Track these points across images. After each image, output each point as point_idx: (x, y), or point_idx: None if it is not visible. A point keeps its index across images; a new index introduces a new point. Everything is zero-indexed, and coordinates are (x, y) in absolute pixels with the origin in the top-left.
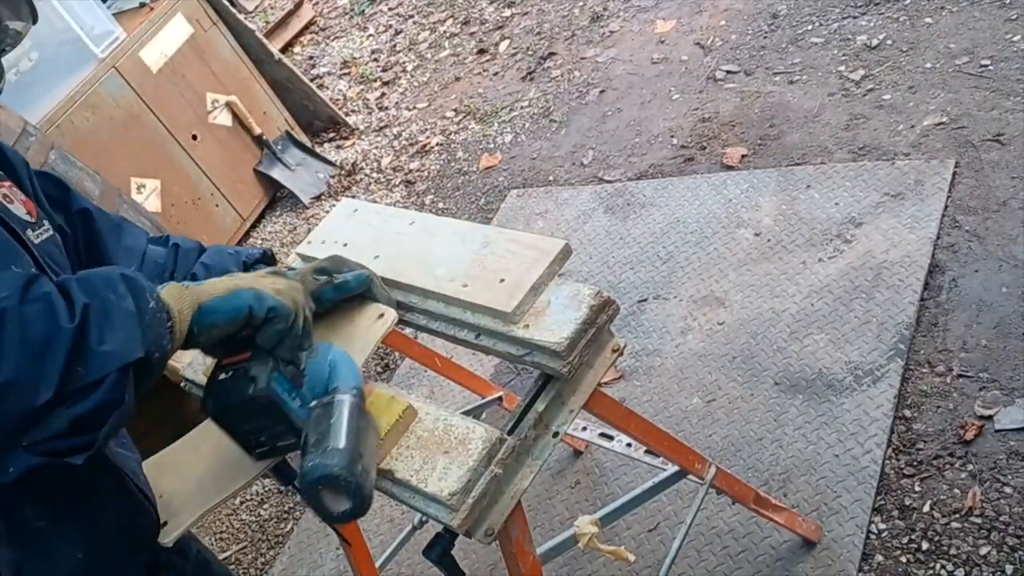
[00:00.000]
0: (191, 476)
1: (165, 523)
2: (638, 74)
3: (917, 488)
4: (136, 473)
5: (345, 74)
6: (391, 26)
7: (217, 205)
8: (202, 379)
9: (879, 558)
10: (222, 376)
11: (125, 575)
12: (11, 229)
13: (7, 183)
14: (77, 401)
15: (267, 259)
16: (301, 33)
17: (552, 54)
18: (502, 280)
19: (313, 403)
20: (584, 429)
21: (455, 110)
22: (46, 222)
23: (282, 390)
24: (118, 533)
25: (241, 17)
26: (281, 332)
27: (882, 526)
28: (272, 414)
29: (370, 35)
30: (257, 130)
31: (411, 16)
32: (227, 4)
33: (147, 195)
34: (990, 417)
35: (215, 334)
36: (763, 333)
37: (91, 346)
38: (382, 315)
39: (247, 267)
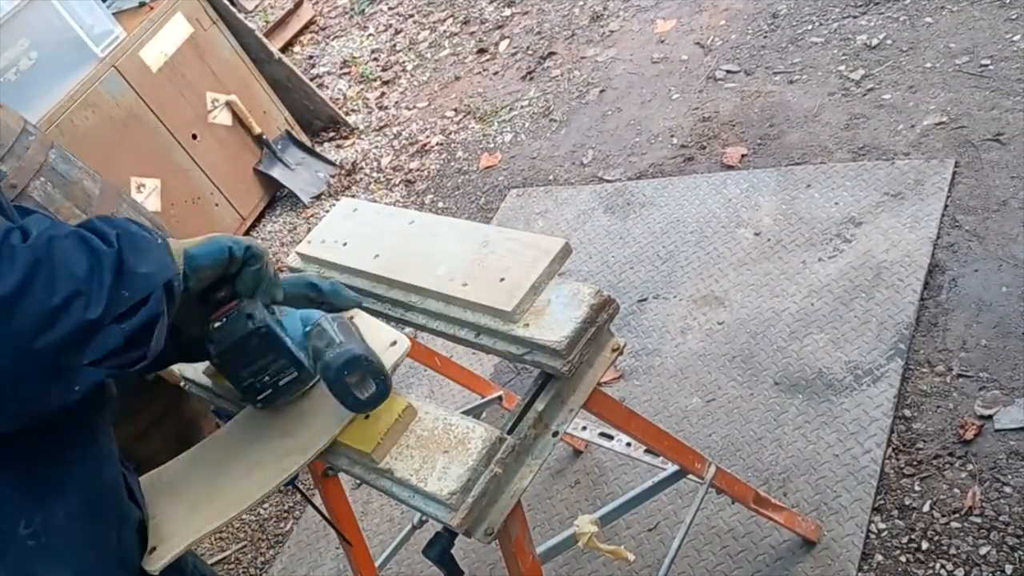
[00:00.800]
0: (185, 498)
1: (154, 549)
2: (638, 74)
3: (917, 488)
4: (135, 482)
5: (345, 73)
6: (391, 25)
7: (217, 204)
8: (203, 379)
9: (879, 558)
10: (217, 324)
11: None
12: None
13: None
14: (127, 318)
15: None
16: (301, 32)
17: (552, 54)
18: (502, 279)
19: (307, 329)
20: (584, 428)
21: (455, 109)
22: None
23: (276, 325)
24: (108, 552)
25: (241, 16)
26: (259, 273)
27: (882, 526)
28: (272, 347)
29: (370, 34)
30: (257, 129)
31: (411, 15)
32: (227, 3)
33: (147, 194)
34: (990, 417)
35: (204, 277)
36: (763, 333)
37: (131, 269)
38: (395, 342)
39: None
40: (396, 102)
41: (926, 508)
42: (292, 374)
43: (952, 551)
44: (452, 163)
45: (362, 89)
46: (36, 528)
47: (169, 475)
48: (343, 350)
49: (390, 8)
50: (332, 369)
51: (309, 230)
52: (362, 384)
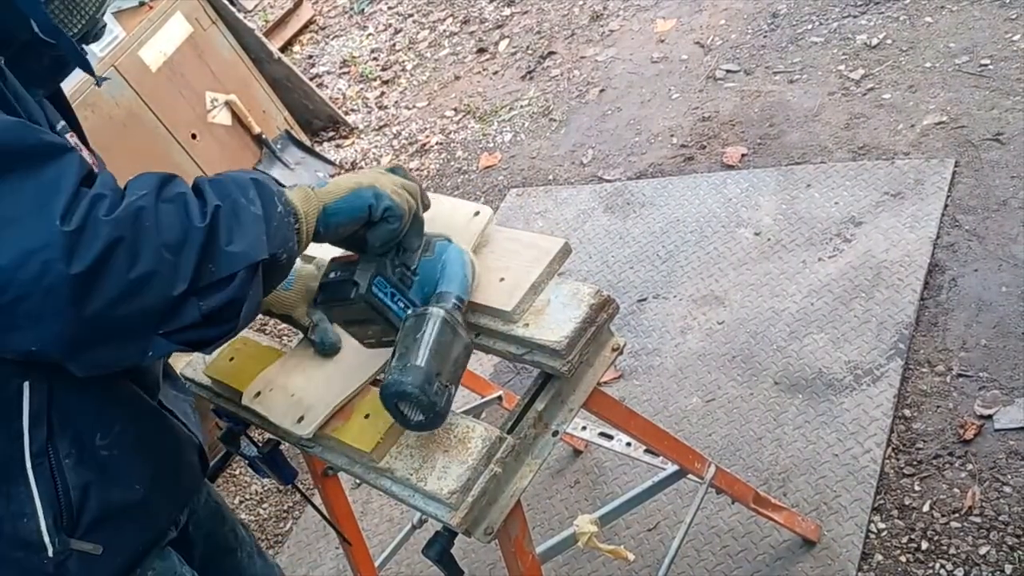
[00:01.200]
0: (317, 375)
1: (302, 418)
2: (638, 73)
3: (917, 487)
4: (187, 414)
5: (344, 73)
6: (391, 25)
7: None
8: (203, 378)
9: (879, 557)
10: (331, 276)
11: (171, 507)
12: None
13: (71, 135)
14: (209, 295)
15: None
16: (300, 32)
17: (552, 53)
18: (502, 279)
19: (410, 311)
20: (584, 428)
21: (455, 109)
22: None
23: (383, 295)
24: (169, 469)
25: (240, 16)
26: (393, 232)
27: (881, 525)
28: (373, 316)
29: (369, 34)
30: (256, 129)
31: (411, 15)
32: (226, 3)
33: None
34: (990, 416)
35: (340, 232)
36: (763, 332)
37: (220, 246)
38: (478, 213)
39: None
40: (396, 102)
41: (926, 508)
42: (394, 335)
43: (952, 551)
44: (452, 163)
45: (362, 89)
46: (110, 441)
47: (295, 359)
48: (401, 378)
49: (390, 8)
50: (384, 394)
51: None
52: (412, 412)
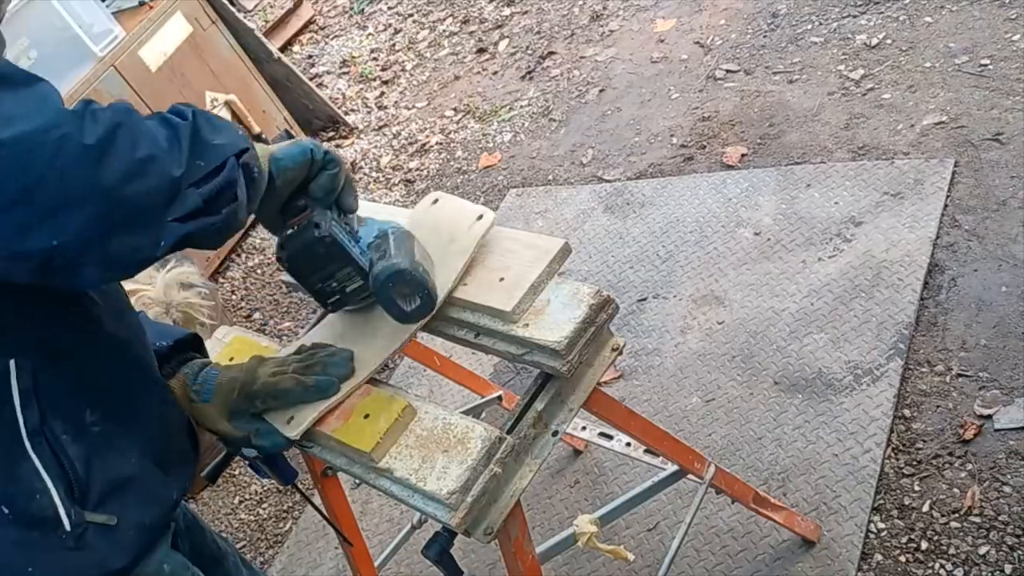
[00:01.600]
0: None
1: (291, 419)
2: (638, 73)
3: (916, 487)
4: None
5: (344, 73)
6: (390, 25)
7: None
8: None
9: (878, 557)
10: (289, 232)
11: (171, 481)
12: None
13: None
14: (205, 183)
15: (192, 342)
16: (300, 32)
17: (551, 53)
18: (501, 279)
19: (371, 241)
20: (583, 428)
21: (454, 109)
22: None
23: (342, 233)
24: (164, 443)
25: (240, 16)
26: (335, 178)
27: (881, 525)
28: (337, 256)
29: (369, 34)
30: (256, 129)
31: (410, 15)
32: (226, 3)
33: None
34: (989, 416)
35: (289, 179)
36: (762, 332)
37: (206, 139)
38: (481, 216)
39: (173, 348)
40: (395, 101)
41: (925, 508)
42: (358, 282)
43: (951, 551)
44: (451, 162)
45: (361, 88)
46: (98, 418)
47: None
48: (389, 263)
49: (389, 8)
50: (379, 281)
51: None
52: (407, 297)
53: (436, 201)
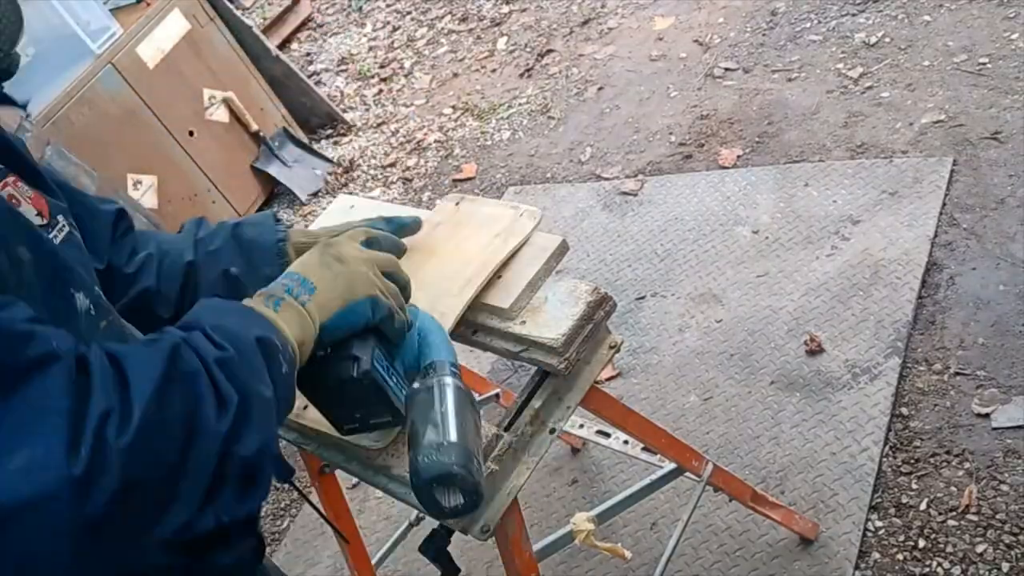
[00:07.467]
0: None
1: None
2: (636, 71)
3: (914, 486)
4: None
5: (343, 71)
6: (389, 22)
7: (214, 201)
8: None
9: (876, 556)
10: (320, 354)
11: None
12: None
13: (11, 178)
14: (226, 505)
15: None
16: (298, 29)
17: (550, 51)
18: (499, 276)
19: (416, 385)
20: (581, 426)
21: (453, 107)
22: (60, 217)
23: (382, 369)
24: None
25: (238, 13)
26: (392, 331)
27: (879, 524)
28: (373, 396)
29: (368, 32)
30: (254, 126)
31: (409, 12)
32: (224, 0)
33: (144, 191)
34: (987, 415)
35: (337, 338)
36: (761, 331)
37: (238, 452)
38: (523, 214)
39: (281, 255)
40: (394, 99)
41: (923, 506)
42: (386, 419)
43: (949, 549)
44: (450, 160)
45: (360, 86)
46: None
47: None
48: (440, 458)
49: (388, 5)
50: (421, 478)
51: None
52: (449, 496)
53: (459, 202)
